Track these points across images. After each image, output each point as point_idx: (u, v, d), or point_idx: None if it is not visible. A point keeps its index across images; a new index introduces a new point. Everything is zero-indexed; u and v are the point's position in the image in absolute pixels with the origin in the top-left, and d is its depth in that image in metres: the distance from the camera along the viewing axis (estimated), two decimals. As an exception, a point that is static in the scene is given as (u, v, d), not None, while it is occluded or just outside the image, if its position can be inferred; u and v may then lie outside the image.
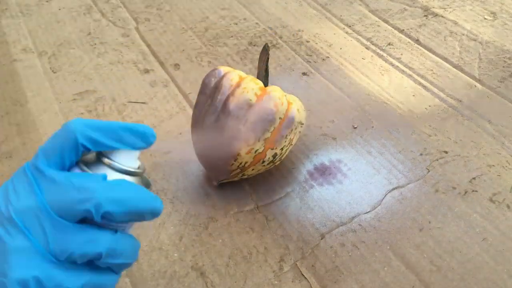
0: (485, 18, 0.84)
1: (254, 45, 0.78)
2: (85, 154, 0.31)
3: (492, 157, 0.58)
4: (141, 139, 0.31)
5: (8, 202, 0.29)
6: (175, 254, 0.49)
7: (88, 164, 0.31)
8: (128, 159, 0.31)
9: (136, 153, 0.31)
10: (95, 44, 0.80)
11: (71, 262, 0.29)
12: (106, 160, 0.30)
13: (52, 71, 0.74)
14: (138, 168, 0.32)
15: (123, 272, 0.47)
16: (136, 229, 0.51)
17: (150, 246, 0.49)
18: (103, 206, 0.28)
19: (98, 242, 0.29)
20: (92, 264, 0.30)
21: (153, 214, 0.30)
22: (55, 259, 0.28)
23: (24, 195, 0.29)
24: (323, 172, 0.57)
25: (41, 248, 0.28)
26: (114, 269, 0.31)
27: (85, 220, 0.28)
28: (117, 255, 0.30)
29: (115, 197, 0.28)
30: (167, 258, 0.48)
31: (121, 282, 0.46)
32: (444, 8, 0.88)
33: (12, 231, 0.28)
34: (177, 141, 0.62)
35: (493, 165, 0.57)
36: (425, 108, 0.66)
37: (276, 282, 0.46)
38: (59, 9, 0.89)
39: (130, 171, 0.31)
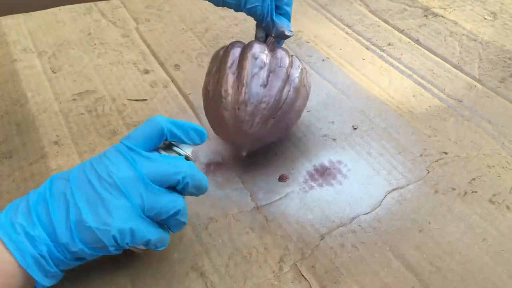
0: (485, 18, 0.84)
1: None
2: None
3: (492, 158, 0.58)
4: (199, 137, 0.44)
5: (110, 172, 0.38)
6: (175, 254, 0.49)
7: (162, 149, 0.43)
8: (187, 149, 0.44)
9: (192, 146, 0.44)
10: (95, 44, 0.80)
11: (153, 220, 0.41)
12: (176, 148, 0.43)
13: (52, 71, 0.74)
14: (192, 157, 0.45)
15: (124, 272, 0.47)
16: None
17: (150, 247, 0.50)
18: (186, 179, 0.41)
19: (178, 202, 0.42)
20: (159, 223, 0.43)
21: (203, 191, 0.45)
22: (145, 215, 0.40)
23: (123, 167, 0.39)
24: (323, 173, 0.57)
25: (137, 207, 0.39)
26: (173, 228, 0.45)
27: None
28: (184, 214, 0.43)
29: (193, 173, 0.42)
30: (167, 258, 0.48)
31: (120, 282, 0.46)
32: (444, 8, 0.88)
33: (115, 193, 0.38)
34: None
35: (493, 166, 0.57)
36: (425, 109, 0.66)
37: (276, 282, 0.46)
38: (59, 9, 0.89)
39: (189, 158, 0.44)
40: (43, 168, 0.58)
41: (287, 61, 0.54)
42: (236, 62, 0.53)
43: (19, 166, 0.59)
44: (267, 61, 0.53)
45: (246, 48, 0.54)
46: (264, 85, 0.52)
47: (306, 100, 0.58)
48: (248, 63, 0.52)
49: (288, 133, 0.62)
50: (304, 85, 0.56)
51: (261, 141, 0.55)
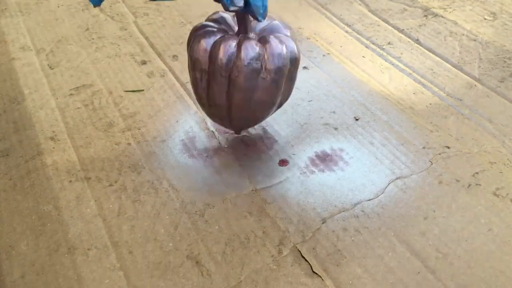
0: (485, 18, 0.85)
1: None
2: None
3: (494, 155, 0.57)
4: None
5: None
6: (170, 244, 0.47)
7: None
8: None
9: None
10: (93, 39, 0.80)
11: None
12: None
13: (50, 67, 0.73)
14: None
15: (117, 265, 0.45)
16: (131, 220, 0.49)
17: (144, 238, 0.48)
18: None
19: None
20: None
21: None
22: None
23: None
24: (324, 159, 0.56)
25: None
26: None
27: None
28: None
29: None
30: (161, 248, 0.47)
31: (114, 276, 0.44)
32: (444, 8, 0.88)
33: None
34: (174, 129, 0.61)
35: (495, 162, 0.56)
36: (426, 106, 0.65)
37: (274, 267, 0.44)
38: (58, 7, 0.89)
39: None
40: (38, 164, 0.57)
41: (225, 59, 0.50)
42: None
43: (16, 164, 0.57)
44: (205, 67, 0.50)
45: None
46: (206, 89, 0.51)
47: (276, 88, 0.51)
48: (196, 69, 0.51)
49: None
50: (267, 74, 0.50)
51: (242, 128, 0.57)
